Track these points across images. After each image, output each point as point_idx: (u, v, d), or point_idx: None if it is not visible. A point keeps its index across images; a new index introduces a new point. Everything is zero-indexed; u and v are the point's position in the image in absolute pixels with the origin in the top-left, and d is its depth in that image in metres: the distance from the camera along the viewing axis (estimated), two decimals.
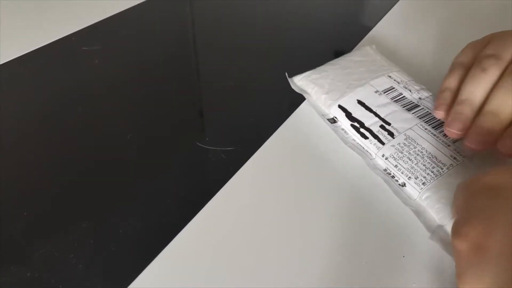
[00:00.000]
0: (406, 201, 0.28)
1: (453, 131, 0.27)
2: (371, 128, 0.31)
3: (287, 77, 0.37)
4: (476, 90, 0.28)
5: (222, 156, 0.32)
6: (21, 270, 0.25)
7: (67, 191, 0.30)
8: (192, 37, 0.48)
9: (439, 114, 0.30)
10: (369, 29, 0.47)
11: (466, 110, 0.27)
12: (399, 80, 0.34)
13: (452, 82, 0.30)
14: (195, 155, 0.32)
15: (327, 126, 0.33)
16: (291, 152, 0.32)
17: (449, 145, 0.29)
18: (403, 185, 0.28)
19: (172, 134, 0.34)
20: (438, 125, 0.31)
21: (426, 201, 0.27)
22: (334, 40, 0.46)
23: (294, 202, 0.28)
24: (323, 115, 0.34)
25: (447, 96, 0.30)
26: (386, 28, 0.47)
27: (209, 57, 0.44)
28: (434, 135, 0.30)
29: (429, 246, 0.26)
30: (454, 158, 0.28)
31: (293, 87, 0.36)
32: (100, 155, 0.32)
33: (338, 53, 0.39)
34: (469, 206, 0.21)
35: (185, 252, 0.26)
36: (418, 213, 0.27)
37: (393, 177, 0.29)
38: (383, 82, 0.34)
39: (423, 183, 0.28)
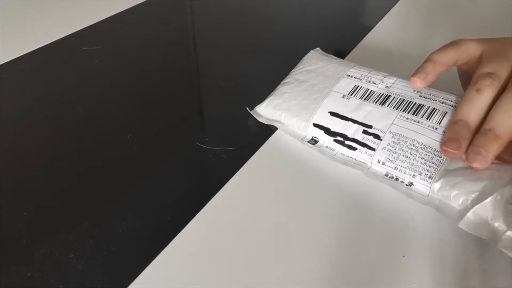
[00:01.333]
0: (420, 199, 0.27)
1: (449, 150, 0.27)
2: (355, 137, 0.30)
3: (248, 110, 0.35)
4: (470, 111, 0.28)
5: (222, 156, 0.32)
6: (21, 270, 0.25)
7: (67, 191, 0.30)
8: (192, 37, 0.48)
9: (415, 82, 0.30)
10: (369, 29, 0.47)
11: (461, 130, 0.27)
12: (359, 76, 0.33)
13: (438, 55, 0.30)
14: (195, 155, 0.32)
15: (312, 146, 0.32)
16: (291, 152, 0.32)
17: (436, 128, 0.29)
18: (410, 184, 0.28)
19: (172, 134, 0.34)
20: (417, 109, 0.30)
21: (440, 192, 0.27)
22: (335, 40, 0.46)
23: (295, 202, 0.28)
24: (302, 140, 0.32)
25: (428, 66, 0.30)
26: (386, 28, 0.47)
27: (209, 57, 0.44)
28: (417, 121, 0.29)
29: (429, 246, 0.26)
30: None
31: (259, 119, 0.34)
32: (100, 155, 0.32)
33: (338, 53, 0.39)
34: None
35: (185, 252, 0.26)
36: (437, 207, 0.27)
37: (397, 179, 0.28)
38: (345, 84, 0.33)
39: (429, 177, 0.27)
